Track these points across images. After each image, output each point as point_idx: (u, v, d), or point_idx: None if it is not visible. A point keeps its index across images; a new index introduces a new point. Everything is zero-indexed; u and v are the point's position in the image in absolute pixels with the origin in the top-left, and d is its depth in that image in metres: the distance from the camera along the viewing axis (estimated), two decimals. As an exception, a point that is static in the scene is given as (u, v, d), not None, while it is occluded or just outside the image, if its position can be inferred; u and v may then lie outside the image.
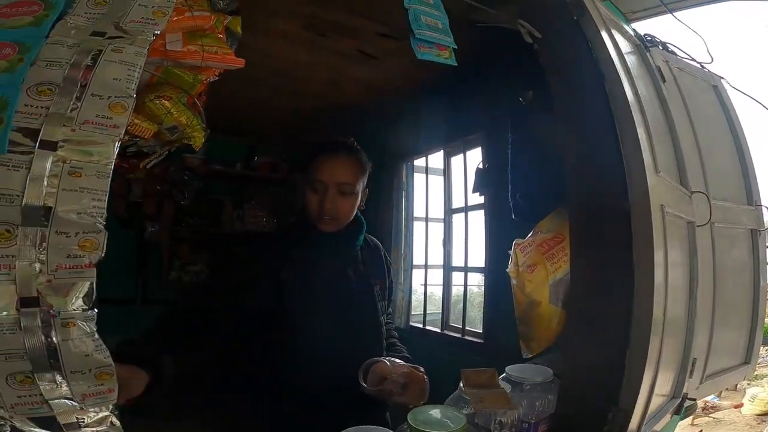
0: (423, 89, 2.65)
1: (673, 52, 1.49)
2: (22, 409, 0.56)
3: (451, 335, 2.54)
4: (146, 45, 0.64)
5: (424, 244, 2.87)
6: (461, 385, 1.00)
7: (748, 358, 1.46)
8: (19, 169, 0.56)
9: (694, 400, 1.15)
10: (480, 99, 2.35)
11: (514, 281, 1.25)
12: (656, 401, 1.03)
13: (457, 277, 2.66)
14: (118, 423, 0.60)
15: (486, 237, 2.29)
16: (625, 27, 1.35)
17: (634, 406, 0.84)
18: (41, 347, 0.55)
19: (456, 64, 1.04)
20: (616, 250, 0.90)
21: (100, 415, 0.59)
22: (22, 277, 0.55)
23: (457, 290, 2.69)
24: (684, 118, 1.31)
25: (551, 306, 1.16)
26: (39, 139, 0.57)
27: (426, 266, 2.85)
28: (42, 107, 0.58)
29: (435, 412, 0.88)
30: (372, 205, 3.19)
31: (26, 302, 0.55)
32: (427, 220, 2.91)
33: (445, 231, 2.70)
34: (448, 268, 2.66)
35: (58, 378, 0.56)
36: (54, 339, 0.55)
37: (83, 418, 0.58)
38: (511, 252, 1.28)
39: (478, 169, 2.38)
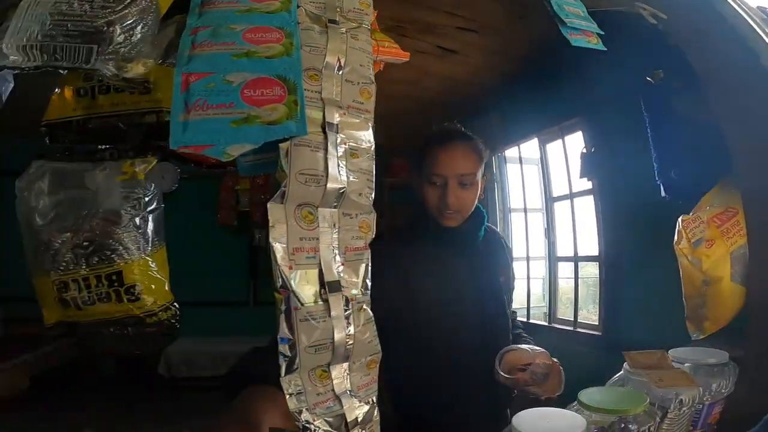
0: (507, 80, 2.60)
1: None
2: (321, 409, 0.54)
3: (560, 328, 2.47)
4: (368, 33, 0.66)
5: (525, 235, 2.81)
6: (626, 366, 0.98)
7: None
8: (318, 151, 0.56)
9: None
10: (577, 84, 2.27)
11: (685, 259, 1.19)
12: None
13: (563, 268, 2.58)
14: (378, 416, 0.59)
15: (599, 223, 2.20)
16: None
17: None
18: (343, 336, 0.54)
19: (605, 50, 1.02)
20: None
21: (366, 408, 0.58)
22: (325, 261, 0.54)
23: (563, 282, 2.61)
24: None
25: (732, 283, 1.10)
26: (325, 122, 0.57)
27: (528, 258, 2.79)
28: (315, 92, 0.58)
29: (606, 393, 0.87)
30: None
31: (332, 287, 0.55)
32: (525, 210, 2.84)
33: (547, 220, 2.62)
34: (552, 259, 2.59)
35: (345, 369, 0.56)
36: (352, 326, 0.55)
37: (358, 414, 0.57)
38: (678, 229, 1.23)
39: (583, 153, 2.29)
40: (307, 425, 0.52)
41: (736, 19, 1.02)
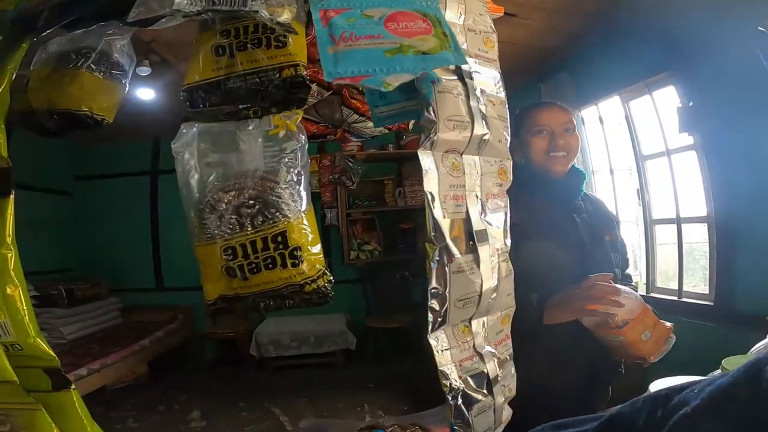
0: (574, 39, 2.44)
1: None
2: (466, 366, 0.53)
3: (661, 298, 2.27)
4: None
5: (613, 198, 2.61)
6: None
7: None
8: (461, 97, 0.55)
9: None
10: (663, 37, 2.04)
11: None
12: None
13: (662, 231, 2.36)
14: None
15: (706, 181, 1.97)
16: None
17: None
18: (490, 287, 0.53)
19: None
20: None
21: (503, 365, 0.57)
22: (472, 210, 0.53)
23: (660, 248, 2.39)
24: None
25: None
26: (462, 70, 0.56)
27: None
28: None
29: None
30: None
31: (480, 236, 0.53)
32: (611, 172, 2.64)
33: (639, 180, 2.40)
34: (649, 222, 2.38)
35: (484, 323, 0.55)
36: (496, 278, 0.54)
37: (498, 372, 0.56)
38: None
39: (679, 108, 2.06)
40: (455, 385, 0.51)
41: None
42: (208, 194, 0.57)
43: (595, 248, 1.12)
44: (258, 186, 0.56)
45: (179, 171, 0.59)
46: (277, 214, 0.56)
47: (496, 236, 0.58)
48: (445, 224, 0.51)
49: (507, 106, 0.64)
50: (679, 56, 2.02)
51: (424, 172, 0.51)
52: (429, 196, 0.50)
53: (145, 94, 2.84)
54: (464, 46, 0.60)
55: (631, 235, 2.45)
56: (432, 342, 0.53)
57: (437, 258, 0.51)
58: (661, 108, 2.29)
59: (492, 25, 0.67)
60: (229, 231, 0.55)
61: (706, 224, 2.01)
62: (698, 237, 2.14)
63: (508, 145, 0.63)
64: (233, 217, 0.55)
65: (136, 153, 3.94)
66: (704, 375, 0.82)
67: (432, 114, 0.52)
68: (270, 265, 0.57)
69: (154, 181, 3.96)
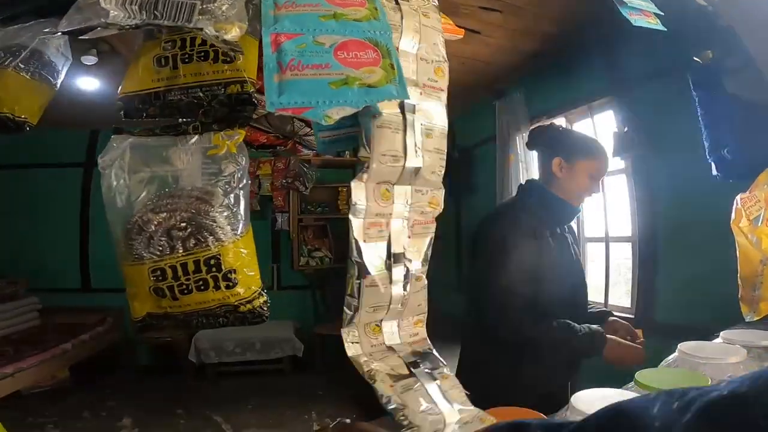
0: (530, 59, 2.57)
1: None
2: (377, 356, 0.61)
3: (590, 310, 2.44)
4: (437, 11, 0.65)
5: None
6: (681, 348, 0.98)
7: None
8: (398, 132, 0.57)
9: None
10: (607, 63, 2.22)
11: (743, 237, 1.16)
12: None
13: (593, 249, 2.54)
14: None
15: (632, 203, 2.15)
16: None
17: None
18: (399, 297, 0.60)
19: (665, 29, 1.01)
20: None
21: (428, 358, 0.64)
22: (395, 234, 0.59)
23: (589, 264, 2.57)
24: None
25: None
26: (403, 102, 0.58)
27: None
28: None
29: (662, 374, 0.88)
30: (487, 178, 3.19)
31: (396, 258, 0.60)
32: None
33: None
34: (581, 240, 2.55)
35: (395, 327, 0.62)
36: (408, 290, 0.60)
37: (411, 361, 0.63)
38: (736, 207, 1.20)
39: (616, 133, 2.23)
40: (371, 371, 0.60)
41: None
42: (137, 214, 0.54)
43: (576, 267, 1.38)
44: (192, 208, 0.54)
45: (105, 187, 0.55)
46: (210, 237, 0.55)
47: (414, 258, 0.64)
48: (364, 247, 0.57)
49: (446, 135, 0.68)
50: (619, 83, 2.20)
51: (352, 204, 0.55)
52: (352, 224, 0.56)
53: (89, 84, 2.64)
54: (414, 77, 0.63)
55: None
56: (343, 335, 0.61)
57: (355, 273, 0.58)
58: (600, 131, 2.47)
59: (444, 54, 0.70)
60: (158, 253, 0.53)
61: (630, 243, 2.19)
62: (624, 255, 2.33)
63: (441, 174, 0.67)
64: (163, 239, 0.53)
65: (68, 143, 3.64)
66: (623, 386, 0.91)
67: (367, 149, 0.56)
68: (202, 287, 0.55)
69: (88, 173, 3.65)
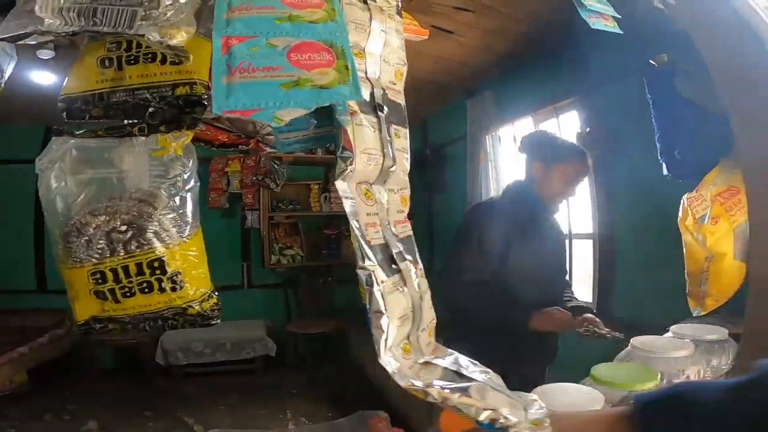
0: (502, 60, 2.61)
1: None
2: (424, 376, 0.54)
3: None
4: (400, 12, 0.65)
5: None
6: (633, 342, 1.03)
7: None
8: (376, 131, 0.56)
9: None
10: (573, 65, 2.28)
11: (690, 235, 1.23)
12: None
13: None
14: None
15: (593, 200, 2.23)
16: None
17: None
18: (418, 302, 0.56)
19: (621, 32, 1.04)
20: None
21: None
22: (387, 235, 0.56)
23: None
24: None
25: (734, 260, 1.14)
26: (376, 102, 0.57)
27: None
28: (360, 70, 0.57)
29: (616, 369, 0.91)
30: (458, 176, 3.23)
31: (400, 258, 0.56)
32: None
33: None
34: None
35: (417, 337, 0.57)
36: (420, 291, 0.57)
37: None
38: (683, 206, 1.26)
39: (579, 133, 2.31)
40: (428, 391, 0.52)
41: (743, 6, 1.02)
42: (75, 216, 0.52)
43: (559, 256, 1.57)
44: (133, 210, 0.52)
45: (43, 189, 0.53)
46: (154, 240, 0.53)
47: (409, 258, 0.60)
48: (370, 250, 0.52)
49: (408, 136, 0.68)
50: (584, 84, 2.26)
51: (344, 199, 0.52)
52: (355, 224, 0.51)
53: (44, 78, 2.51)
54: (379, 77, 0.62)
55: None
56: (385, 365, 0.52)
57: (373, 281, 0.51)
58: (565, 132, 2.54)
59: (404, 58, 0.70)
60: (97, 256, 0.51)
61: (592, 240, 2.27)
62: (587, 252, 2.41)
63: (407, 173, 0.66)
64: (102, 241, 0.51)
65: (23, 139, 3.44)
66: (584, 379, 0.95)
67: (349, 147, 0.54)
68: (146, 290, 0.54)
69: (45, 170, 3.49)
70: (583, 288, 2.53)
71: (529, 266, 1.41)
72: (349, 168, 0.52)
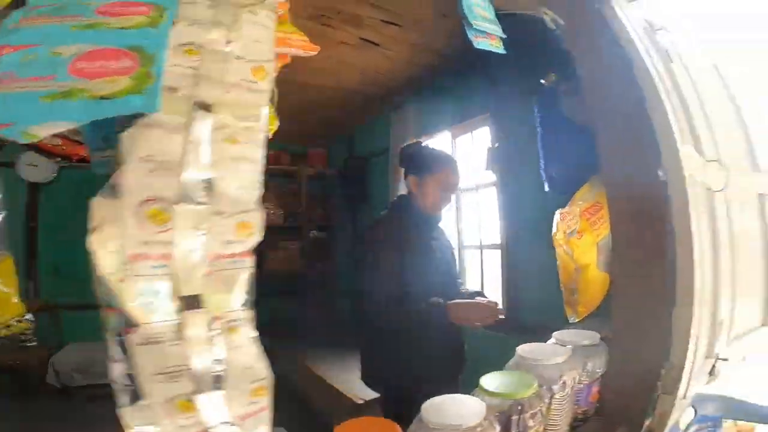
0: (426, 74, 2.69)
1: (675, 32, 1.54)
2: None
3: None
4: (274, 8, 0.60)
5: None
6: (518, 351, 1.07)
7: (766, 320, 1.54)
8: (176, 133, 0.47)
9: (726, 360, 1.22)
10: (485, 82, 2.41)
11: (561, 248, 1.32)
12: (697, 359, 1.11)
13: (471, 255, 2.73)
14: None
15: (500, 213, 2.35)
16: (635, 10, 1.39)
17: (684, 362, 0.91)
18: (207, 361, 0.46)
19: (504, 52, 1.09)
20: (654, 222, 0.96)
21: None
22: (182, 271, 0.45)
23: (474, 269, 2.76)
24: (693, 95, 1.36)
25: (597, 271, 1.25)
26: (193, 100, 0.50)
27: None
28: (190, 67, 0.52)
29: (503, 377, 0.94)
30: (381, 188, 3.26)
31: (189, 303, 0.46)
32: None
33: (456, 210, 2.75)
34: (461, 247, 2.73)
35: (217, 398, 0.47)
36: (220, 349, 0.46)
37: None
38: (556, 221, 1.35)
39: (488, 148, 2.43)
40: None
41: (619, 28, 1.10)
42: None
43: (445, 264, 1.59)
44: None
45: None
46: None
47: (221, 303, 0.49)
48: (124, 288, 0.43)
49: (262, 144, 0.57)
50: (494, 101, 2.38)
51: (92, 227, 0.43)
52: (98, 254, 0.43)
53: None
54: (219, 75, 0.55)
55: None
56: (126, 419, 0.46)
57: (115, 326, 0.45)
58: (477, 147, 2.67)
59: (271, 54, 0.61)
60: None
61: (500, 250, 2.39)
62: (497, 261, 2.54)
63: (256, 192, 0.55)
64: None
65: None
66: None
67: (122, 153, 0.45)
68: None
69: None
70: (496, 296, 2.66)
71: (423, 275, 1.45)
72: (116, 180, 0.44)
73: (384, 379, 1.54)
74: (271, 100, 0.98)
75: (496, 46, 1.04)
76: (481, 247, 2.56)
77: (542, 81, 1.67)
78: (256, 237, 0.51)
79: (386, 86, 2.93)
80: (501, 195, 2.34)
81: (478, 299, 1.45)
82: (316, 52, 0.90)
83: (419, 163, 1.56)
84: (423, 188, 1.52)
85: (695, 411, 1.24)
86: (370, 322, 1.51)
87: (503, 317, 1.49)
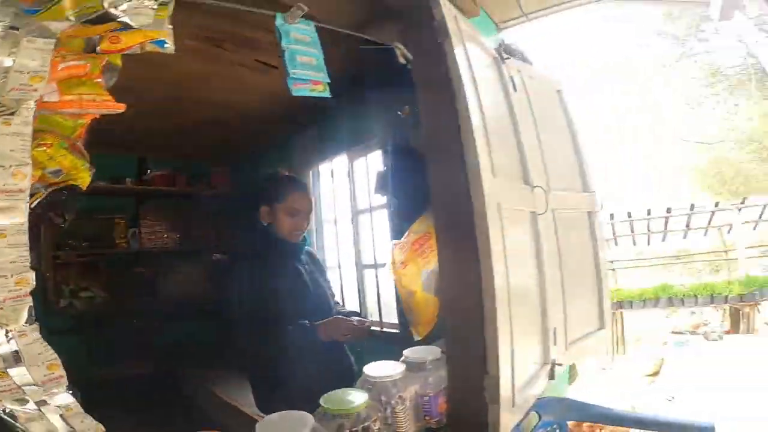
0: (327, 97, 2.72)
1: (526, 61, 1.73)
2: (6, 395, 0.71)
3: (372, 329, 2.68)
4: (31, 114, 0.69)
5: (336, 244, 2.97)
6: (365, 370, 1.17)
7: (602, 324, 1.74)
8: None
9: (561, 365, 1.39)
10: (375, 106, 2.52)
11: (393, 277, 1.43)
12: (526, 368, 1.25)
13: (370, 275, 2.81)
14: (73, 399, 0.79)
15: (391, 235, 2.46)
16: (486, 42, 1.52)
17: (499, 372, 1.04)
18: (8, 350, 0.71)
19: (330, 96, 1.14)
20: (467, 242, 1.09)
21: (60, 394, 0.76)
22: None
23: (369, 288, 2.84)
24: (530, 122, 1.54)
25: (425, 294, 1.37)
26: None
27: (339, 266, 2.96)
28: None
29: (343, 394, 1.02)
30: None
31: None
32: (336, 222, 3.02)
33: (353, 231, 2.82)
34: (360, 267, 2.80)
35: (23, 370, 0.71)
36: (15, 343, 0.71)
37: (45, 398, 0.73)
38: (390, 252, 1.46)
39: (378, 171, 2.54)
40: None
41: (452, 64, 1.18)
42: None
43: (316, 288, 1.63)
44: None
45: None
46: None
47: (12, 324, 0.71)
48: None
49: (26, 231, 0.73)
50: (380, 127, 2.46)
51: None
52: None
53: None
54: None
55: (349, 277, 2.84)
56: None
57: None
58: (371, 170, 2.77)
59: (28, 158, 0.72)
60: None
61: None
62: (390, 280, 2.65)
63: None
64: None
65: None
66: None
67: None
68: None
69: None
70: (393, 313, 2.75)
71: (292, 301, 1.49)
72: None
73: (274, 408, 1.51)
74: (83, 156, 0.97)
75: (319, 92, 1.10)
76: (376, 266, 2.65)
77: (398, 113, 1.79)
78: (31, 285, 0.73)
79: (286, 108, 2.92)
80: (390, 217, 2.45)
81: (353, 318, 1.53)
82: (123, 110, 0.90)
83: (268, 192, 1.60)
84: (277, 217, 1.55)
85: (539, 416, 1.39)
86: (246, 352, 1.52)
87: (376, 330, 1.65)
